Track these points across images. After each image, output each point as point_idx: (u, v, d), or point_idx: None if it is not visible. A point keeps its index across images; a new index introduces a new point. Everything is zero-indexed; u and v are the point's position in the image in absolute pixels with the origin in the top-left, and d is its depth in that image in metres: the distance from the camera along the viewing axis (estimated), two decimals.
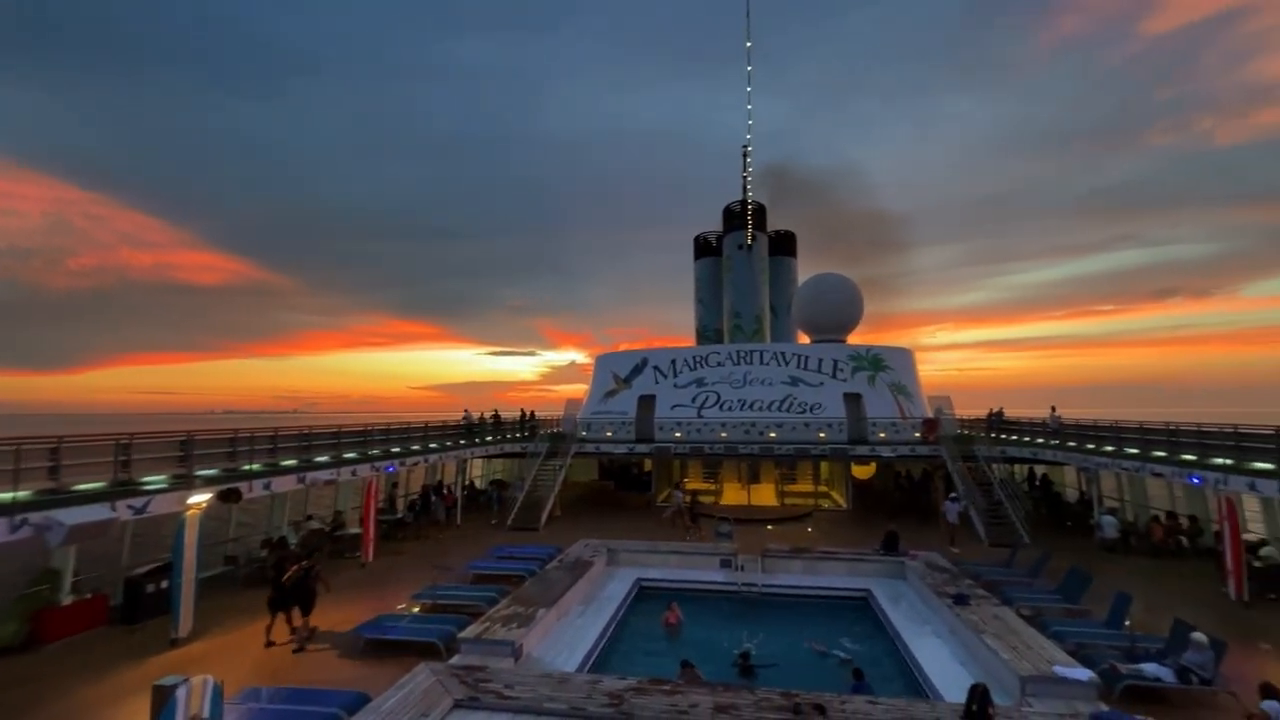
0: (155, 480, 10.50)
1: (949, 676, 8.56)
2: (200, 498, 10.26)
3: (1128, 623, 10.33)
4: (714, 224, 40.30)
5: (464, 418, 24.60)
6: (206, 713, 4.67)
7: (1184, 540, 16.19)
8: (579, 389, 35.98)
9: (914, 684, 8.84)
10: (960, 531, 17.92)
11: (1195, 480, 13.39)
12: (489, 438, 24.80)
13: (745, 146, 39.02)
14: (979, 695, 6.55)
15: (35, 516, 7.97)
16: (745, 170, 38.15)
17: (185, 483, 10.54)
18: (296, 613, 10.23)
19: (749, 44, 39.03)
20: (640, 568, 14.46)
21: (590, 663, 9.58)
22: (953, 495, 19.34)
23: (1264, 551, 13.27)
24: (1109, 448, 17.84)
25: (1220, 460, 13.37)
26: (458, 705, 7.16)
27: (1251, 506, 15.03)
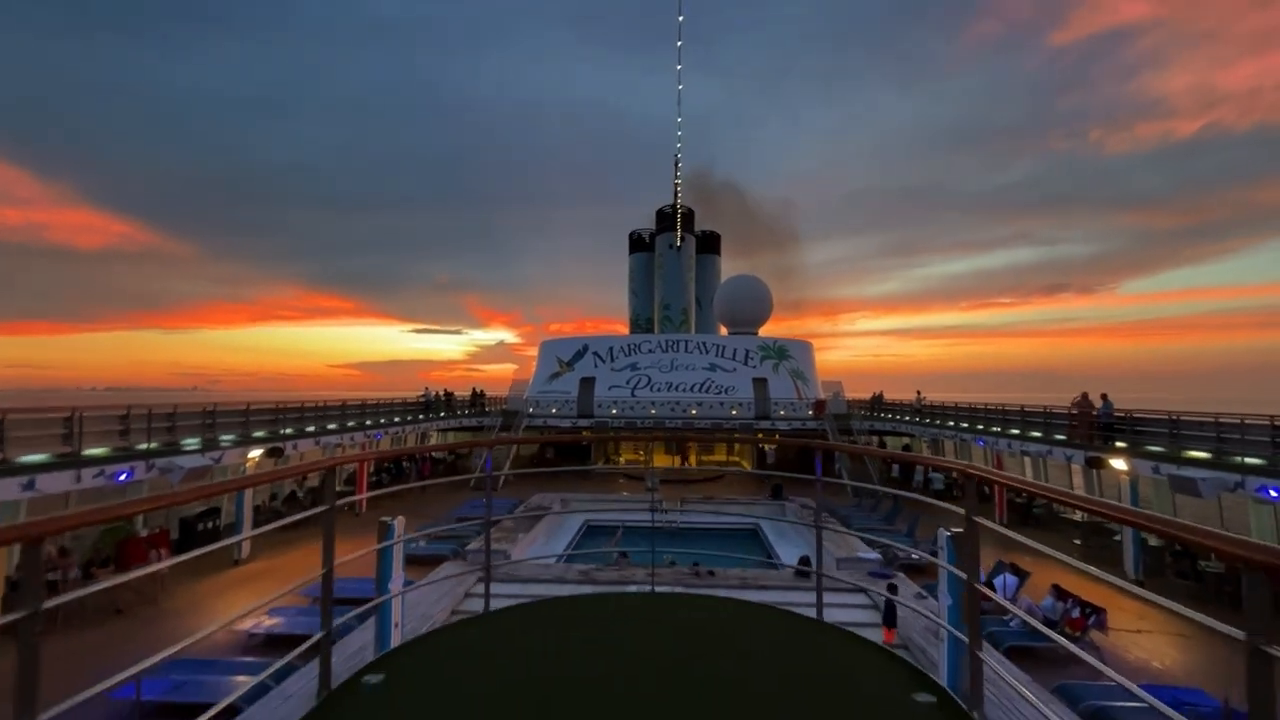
0: (192, 441, 13.44)
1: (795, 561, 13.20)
2: (256, 453, 13.32)
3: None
4: (643, 204, 44.38)
5: (423, 395, 27.61)
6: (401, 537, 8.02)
7: (987, 490, 21.97)
8: (508, 369, 39.36)
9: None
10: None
11: (980, 443, 18.91)
12: (443, 413, 27.95)
13: (676, 154, 43.14)
14: (803, 560, 11.06)
15: (161, 461, 10.97)
16: (676, 176, 42.29)
17: (245, 442, 13.58)
18: None
19: (680, 18, 42.87)
20: (588, 512, 18.48)
21: None
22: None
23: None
24: (950, 423, 23.47)
25: (1014, 430, 18.88)
26: (481, 579, 10.95)
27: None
